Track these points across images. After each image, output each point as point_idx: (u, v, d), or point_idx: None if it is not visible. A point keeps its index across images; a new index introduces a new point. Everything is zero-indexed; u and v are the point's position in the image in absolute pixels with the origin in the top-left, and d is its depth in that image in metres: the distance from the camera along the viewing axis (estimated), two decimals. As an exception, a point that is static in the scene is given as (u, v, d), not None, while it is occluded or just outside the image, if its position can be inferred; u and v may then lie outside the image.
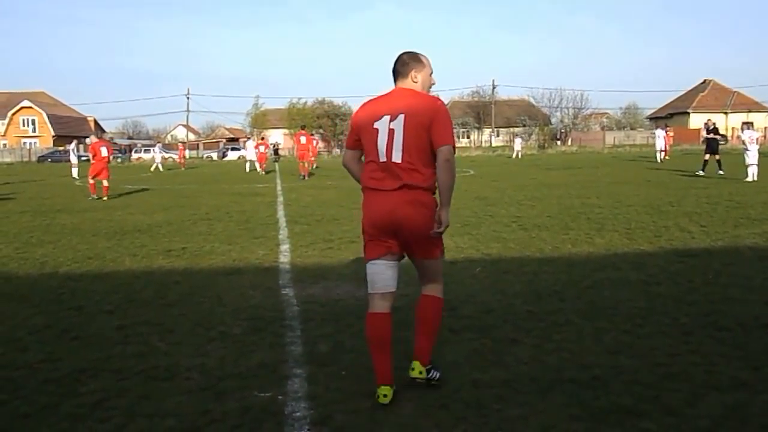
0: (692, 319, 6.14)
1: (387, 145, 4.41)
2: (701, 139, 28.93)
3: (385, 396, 4.38)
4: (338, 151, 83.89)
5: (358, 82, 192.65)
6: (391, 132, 4.41)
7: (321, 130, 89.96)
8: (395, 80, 4.64)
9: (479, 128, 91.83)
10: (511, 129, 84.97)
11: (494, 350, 5.41)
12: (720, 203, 15.46)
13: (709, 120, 29.53)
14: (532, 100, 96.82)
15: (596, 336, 5.72)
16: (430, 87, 4.68)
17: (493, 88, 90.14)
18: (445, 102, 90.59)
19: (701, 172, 25.22)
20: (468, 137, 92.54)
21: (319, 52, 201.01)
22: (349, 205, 17.04)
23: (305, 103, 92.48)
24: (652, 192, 18.97)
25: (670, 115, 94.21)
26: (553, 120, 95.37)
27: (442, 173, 4.35)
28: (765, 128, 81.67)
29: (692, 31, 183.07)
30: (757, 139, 23.27)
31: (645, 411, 4.15)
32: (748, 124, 31.62)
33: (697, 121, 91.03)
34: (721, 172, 24.71)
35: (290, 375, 4.96)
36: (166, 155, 57.05)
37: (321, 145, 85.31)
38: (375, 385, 4.43)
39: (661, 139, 40.89)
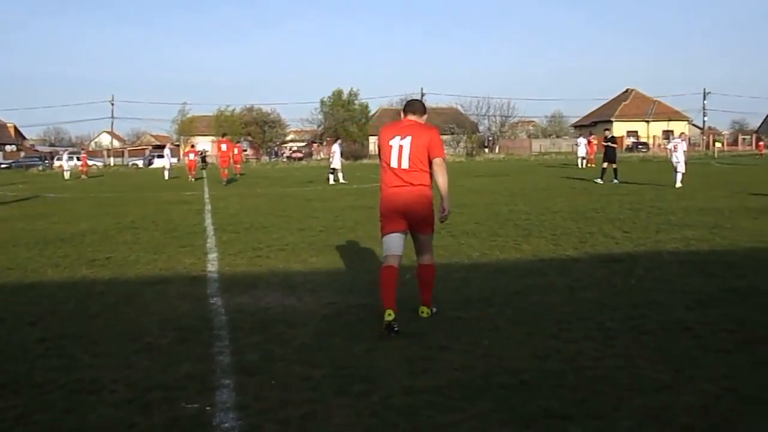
0: (616, 323, 6.28)
1: (398, 156, 6.31)
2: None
3: (389, 315, 5.96)
4: (267, 158, 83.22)
5: (286, 89, 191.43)
6: (400, 147, 6.31)
7: (249, 138, 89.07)
8: (406, 113, 6.60)
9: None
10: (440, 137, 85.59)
11: (425, 357, 5.44)
12: (642, 209, 15.88)
13: (607, 130, 30.52)
14: (460, 108, 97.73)
15: (524, 341, 5.80)
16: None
17: (422, 95, 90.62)
18: (374, 110, 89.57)
19: (599, 180, 25.94)
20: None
21: (248, 60, 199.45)
22: (278, 213, 16.96)
23: (233, 110, 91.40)
24: (577, 199, 19.37)
25: (594, 123, 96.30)
26: (480, 128, 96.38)
27: (439, 176, 6.35)
28: (681, 134, 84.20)
29: (615, 41, 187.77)
30: (684, 151, 23.98)
31: (571, 415, 4.23)
32: (674, 133, 33.64)
33: (620, 129, 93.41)
34: (615, 181, 25.58)
35: (218, 385, 4.89)
36: (75, 163, 55.39)
37: (249, 152, 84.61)
38: (381, 310, 5.99)
39: (582, 146, 42.55)
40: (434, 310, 6.68)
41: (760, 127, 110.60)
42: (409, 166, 6.27)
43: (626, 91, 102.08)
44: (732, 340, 5.70)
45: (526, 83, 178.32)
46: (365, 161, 64.23)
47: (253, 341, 5.96)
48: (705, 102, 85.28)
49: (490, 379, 4.89)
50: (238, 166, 39.51)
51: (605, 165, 26.75)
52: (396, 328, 5.92)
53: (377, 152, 6.64)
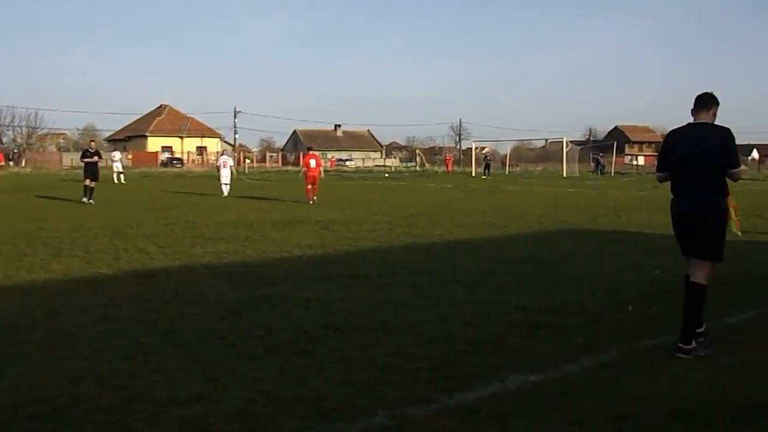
0: (152, 338, 6.27)
1: None
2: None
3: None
4: None
5: None
6: None
7: None
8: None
9: None
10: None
11: (-63, 395, 4.84)
12: (177, 224, 16.14)
13: (92, 142, 29.59)
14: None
15: (55, 366, 5.49)
16: None
17: None
18: None
19: (87, 200, 23.62)
20: None
21: None
22: None
23: None
24: (111, 214, 18.98)
25: (129, 138, 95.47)
26: (5, 139, 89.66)
27: None
28: (217, 152, 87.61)
29: (148, 57, 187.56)
30: (231, 166, 28.66)
31: (107, 437, 4.11)
32: (225, 150, 37.94)
33: (155, 144, 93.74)
34: (91, 201, 23.49)
35: None
36: None
37: None
38: None
39: (117, 161, 42.85)
40: None
41: (285, 145, 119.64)
42: None
43: (161, 106, 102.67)
44: (262, 346, 6.05)
45: (55, 94, 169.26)
46: None
47: None
48: (236, 120, 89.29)
49: (15, 411, 4.51)
50: None
51: (87, 182, 24.08)
52: None
53: None
